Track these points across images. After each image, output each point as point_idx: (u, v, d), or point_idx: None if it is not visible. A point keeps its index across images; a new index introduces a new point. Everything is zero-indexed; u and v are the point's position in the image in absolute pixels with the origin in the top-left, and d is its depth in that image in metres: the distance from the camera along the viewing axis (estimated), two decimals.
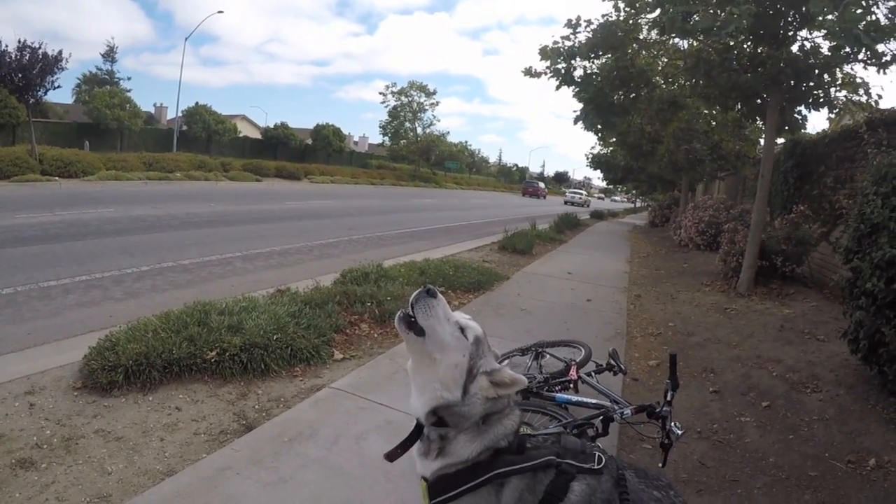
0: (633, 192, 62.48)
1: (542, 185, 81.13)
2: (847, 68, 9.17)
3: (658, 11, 9.43)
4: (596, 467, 1.99)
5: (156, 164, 29.02)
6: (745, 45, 9.47)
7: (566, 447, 2.07)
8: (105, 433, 3.88)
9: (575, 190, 77.29)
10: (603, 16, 10.52)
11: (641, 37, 11.27)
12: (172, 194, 20.61)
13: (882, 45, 7.74)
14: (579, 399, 4.14)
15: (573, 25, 10.68)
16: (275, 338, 5.38)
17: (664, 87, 12.74)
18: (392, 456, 2.10)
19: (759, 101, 10.22)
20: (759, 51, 9.32)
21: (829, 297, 9.30)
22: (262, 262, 10.56)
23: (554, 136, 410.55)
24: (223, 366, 4.97)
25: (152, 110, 59.64)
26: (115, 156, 28.66)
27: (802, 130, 11.16)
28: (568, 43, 10.75)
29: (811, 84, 9.32)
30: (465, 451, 1.98)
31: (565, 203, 56.56)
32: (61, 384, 4.50)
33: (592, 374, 4.50)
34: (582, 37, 10.61)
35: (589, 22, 10.58)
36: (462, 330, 2.02)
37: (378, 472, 3.64)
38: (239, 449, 3.83)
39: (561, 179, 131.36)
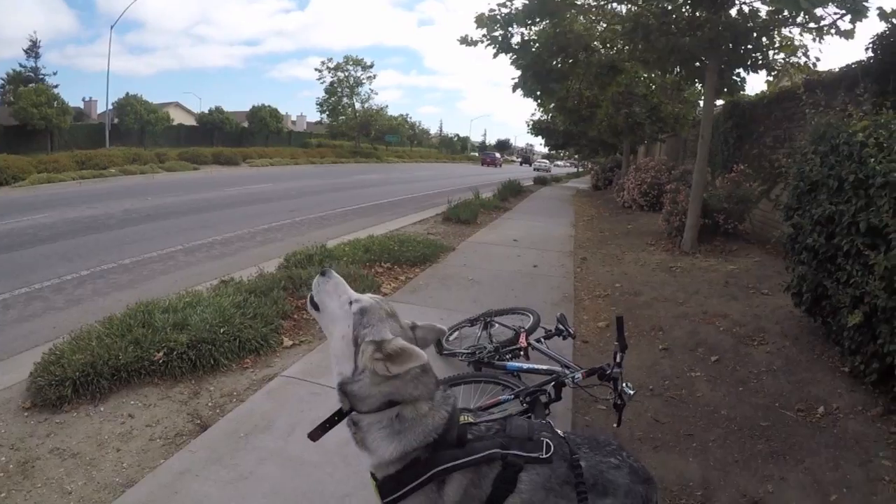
0: (575, 156, 63.21)
1: (498, 155, 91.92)
2: (785, 31, 9.36)
3: None
4: (544, 456, 1.98)
5: (89, 161, 27.77)
6: (683, 9, 9.56)
7: (512, 435, 2.05)
8: (60, 451, 3.78)
9: (541, 161, 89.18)
10: None
11: (579, 2, 11.30)
12: (108, 192, 19.95)
13: (820, 9, 7.91)
14: (530, 366, 4.23)
15: None
16: (221, 331, 5.27)
17: (602, 52, 12.79)
18: (314, 436, 2.15)
19: (697, 64, 10.39)
20: (697, 14, 9.41)
21: (771, 252, 9.58)
22: (204, 253, 10.40)
23: (493, 105, 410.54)
24: (172, 366, 4.84)
25: (81, 105, 56.61)
26: (45, 157, 27.30)
27: (741, 92, 11.35)
28: (504, 10, 10.68)
29: (749, 47, 9.51)
30: (385, 449, 1.97)
31: (535, 170, 60.30)
32: (10, 406, 4.34)
33: (542, 339, 4.60)
34: (519, 3, 10.55)
35: None
36: (350, 303, 2.04)
37: (337, 458, 3.60)
38: (196, 450, 3.79)
39: (503, 147, 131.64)
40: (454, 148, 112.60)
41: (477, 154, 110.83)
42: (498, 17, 10.69)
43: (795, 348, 5.50)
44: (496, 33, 10.91)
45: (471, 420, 2.10)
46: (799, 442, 4.03)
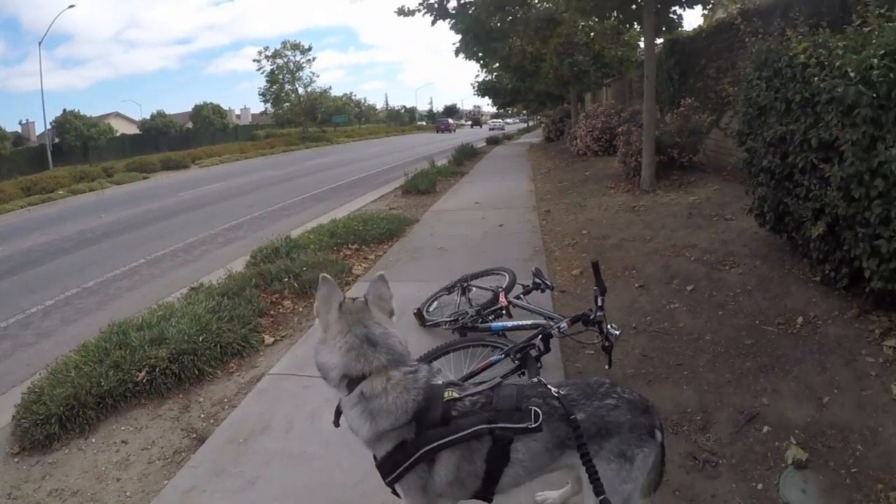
0: (524, 112, 63.35)
1: (451, 121, 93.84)
2: None
3: None
4: (533, 425, 2.04)
5: (35, 186, 26.94)
6: None
7: (498, 408, 2.10)
8: (60, 492, 3.71)
9: (495, 121, 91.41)
10: None
11: None
12: (60, 215, 19.43)
13: None
14: (515, 323, 4.32)
15: None
16: (200, 339, 5.19)
17: (539, 5, 12.84)
18: (336, 420, 2.26)
19: (634, 6, 10.48)
20: None
21: (728, 179, 9.80)
22: (168, 262, 10.28)
23: (435, 73, 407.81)
24: (156, 383, 4.76)
25: (19, 129, 55.27)
26: None
27: (680, 29, 11.48)
28: None
29: None
30: (362, 429, 2.10)
31: (490, 130, 62.70)
32: None
33: (521, 296, 4.70)
34: None
35: None
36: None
37: (341, 448, 3.62)
38: (198, 465, 3.75)
39: (451, 112, 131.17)
40: (402, 120, 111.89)
41: (425, 123, 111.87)
42: None
43: (766, 266, 5.70)
44: (432, 0, 10.88)
45: (455, 395, 2.15)
46: (784, 354, 4.23)
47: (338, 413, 2.22)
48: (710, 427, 3.62)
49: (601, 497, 1.90)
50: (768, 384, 3.93)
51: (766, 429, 3.50)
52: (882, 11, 4.36)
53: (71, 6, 43.35)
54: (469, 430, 2.04)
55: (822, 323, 4.48)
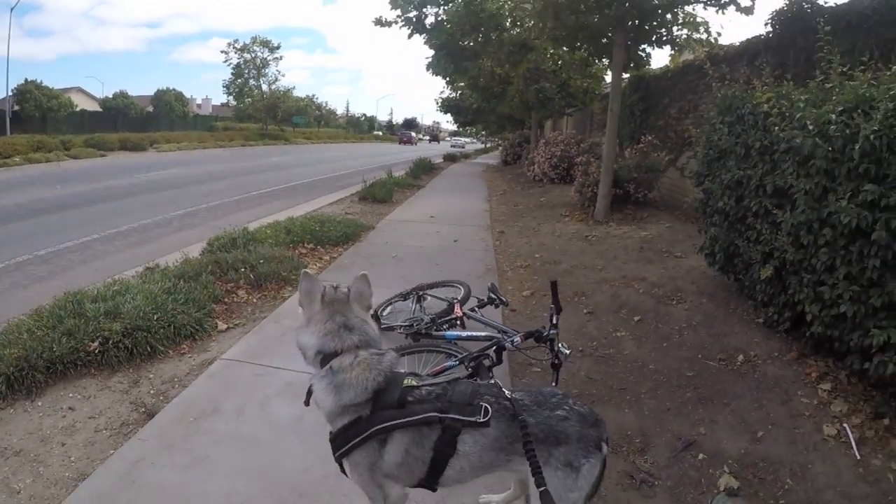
0: (483, 132, 63.89)
1: (413, 134, 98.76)
2: (689, 9, 9.79)
3: None
4: (481, 420, 2.14)
5: None
6: None
7: (452, 400, 2.21)
8: (2, 450, 3.66)
9: (457, 139, 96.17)
10: None
11: None
12: (14, 181, 18.91)
13: None
14: (469, 334, 4.42)
15: None
16: (155, 317, 5.17)
17: (513, 31, 13.04)
18: (307, 400, 2.36)
19: (604, 40, 10.72)
20: None
21: (680, 218, 10.08)
22: (122, 241, 10.12)
23: (396, 84, 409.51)
24: (108, 355, 4.73)
25: None
26: None
27: (647, 66, 11.77)
28: None
29: (655, 23, 9.89)
30: (325, 401, 2.22)
31: (451, 147, 64.98)
32: None
33: (476, 309, 4.82)
34: None
35: None
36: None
37: (290, 434, 3.73)
38: (146, 438, 3.74)
39: (410, 126, 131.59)
40: (361, 128, 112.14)
41: (381, 133, 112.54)
42: None
43: (712, 304, 5.90)
44: (411, 14, 11.00)
45: (413, 384, 2.27)
46: (724, 388, 4.40)
47: (309, 393, 2.31)
48: (649, 450, 3.74)
49: (542, 489, 1.93)
50: (706, 415, 4.08)
51: (701, 456, 3.64)
52: (844, 70, 4.58)
53: None
54: (420, 416, 2.14)
55: (762, 362, 4.67)
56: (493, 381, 2.42)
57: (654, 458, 3.66)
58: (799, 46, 7.32)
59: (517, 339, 3.81)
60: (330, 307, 2.30)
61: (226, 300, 6.31)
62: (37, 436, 3.82)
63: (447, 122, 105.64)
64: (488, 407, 2.16)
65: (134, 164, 27.42)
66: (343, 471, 2.31)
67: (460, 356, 3.90)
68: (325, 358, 2.23)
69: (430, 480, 2.25)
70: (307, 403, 2.34)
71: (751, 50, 8.78)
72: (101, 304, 5.23)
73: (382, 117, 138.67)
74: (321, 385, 2.22)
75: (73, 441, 3.77)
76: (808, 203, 4.19)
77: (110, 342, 4.78)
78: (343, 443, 2.18)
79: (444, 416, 2.14)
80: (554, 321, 3.60)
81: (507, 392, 2.25)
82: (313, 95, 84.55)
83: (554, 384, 3.69)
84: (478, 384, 2.36)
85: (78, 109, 50.36)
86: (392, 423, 2.14)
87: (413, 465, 2.20)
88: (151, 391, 4.45)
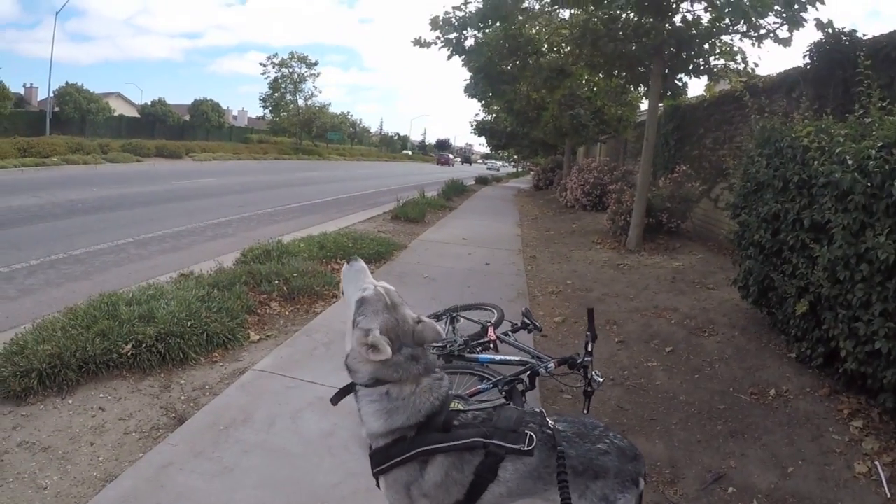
0: (515, 156, 63.96)
1: (451, 156, 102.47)
2: (726, 38, 9.80)
3: None
4: (525, 448, 2.10)
5: (31, 149, 26.53)
6: (630, 16, 9.91)
7: (497, 426, 2.17)
8: (30, 445, 3.64)
9: (492, 162, 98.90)
10: None
11: (526, 5, 11.58)
12: (52, 180, 19.19)
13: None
14: (503, 357, 4.37)
15: None
16: (189, 324, 5.17)
17: (551, 56, 13.10)
18: (334, 400, 2.34)
19: (641, 69, 10.75)
20: (643, 21, 9.77)
21: (712, 249, 10.02)
22: (156, 246, 10.18)
23: (431, 104, 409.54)
24: (141, 358, 4.73)
25: (22, 91, 55.12)
26: None
27: (683, 96, 11.77)
28: (459, 13, 10.90)
29: (692, 53, 9.92)
30: (374, 423, 2.16)
31: (488, 169, 68.03)
32: None
33: (509, 333, 4.77)
34: (473, 7, 10.79)
35: None
36: (362, 291, 2.24)
37: (321, 449, 3.71)
38: (176, 443, 3.72)
39: (443, 147, 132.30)
40: (394, 147, 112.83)
41: (411, 153, 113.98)
42: (453, 19, 10.88)
43: (744, 338, 5.87)
44: (451, 36, 11.08)
45: (460, 407, 2.25)
46: (755, 422, 4.36)
47: (342, 393, 2.31)
48: (678, 482, 3.71)
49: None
50: (737, 448, 4.04)
51: (731, 489, 3.60)
52: (884, 104, 4.57)
53: None
54: (465, 441, 2.11)
55: (794, 398, 4.63)
56: (538, 410, 2.42)
57: (684, 490, 3.63)
58: (838, 79, 7.29)
59: (551, 365, 3.79)
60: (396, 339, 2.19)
61: (258, 311, 6.32)
62: (66, 433, 3.82)
63: (480, 145, 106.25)
64: (533, 435, 2.13)
65: (169, 171, 27.79)
66: (378, 484, 2.28)
67: (494, 380, 3.89)
68: (378, 381, 2.17)
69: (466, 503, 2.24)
70: (335, 402, 2.34)
71: (788, 81, 8.75)
72: (135, 308, 5.25)
73: (416, 137, 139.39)
74: (372, 408, 2.16)
75: (102, 441, 3.77)
76: (845, 238, 4.17)
77: (143, 346, 4.79)
78: (383, 460, 2.15)
79: (488, 441, 2.12)
80: (589, 349, 3.59)
81: (550, 421, 2.22)
82: (348, 112, 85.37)
83: (585, 412, 3.68)
84: (523, 411, 2.32)
85: (116, 114, 51.35)
86: (436, 446, 2.11)
87: (451, 487, 2.17)
88: (182, 397, 4.46)
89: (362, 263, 2.36)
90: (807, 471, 3.75)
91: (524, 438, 2.12)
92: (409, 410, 2.13)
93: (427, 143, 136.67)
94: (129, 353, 4.71)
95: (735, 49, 9.99)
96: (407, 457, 2.11)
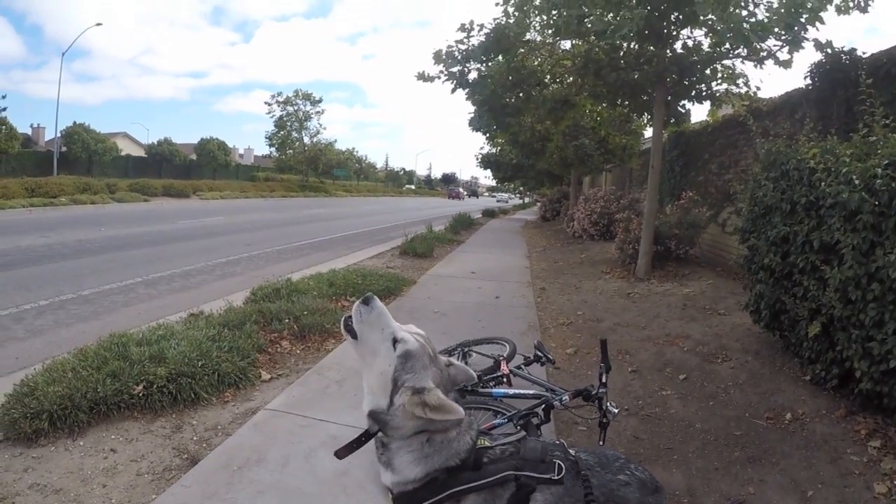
0: (521, 188, 64.13)
1: (462, 190, 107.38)
2: (727, 62, 9.87)
3: (554, 14, 9.84)
4: (556, 477, 2.07)
5: (39, 189, 26.90)
6: (631, 45, 10.00)
7: (525, 458, 2.14)
8: (41, 487, 3.63)
9: (501, 195, 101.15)
10: (494, 20, 10.81)
11: (528, 38, 11.69)
12: (60, 221, 19.48)
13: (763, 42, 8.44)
14: (517, 392, 4.32)
15: (466, 30, 10.93)
16: (200, 364, 5.17)
17: (554, 87, 13.18)
18: (340, 454, 2.19)
19: (645, 97, 10.82)
20: (644, 49, 9.87)
21: (722, 274, 9.99)
22: (165, 286, 10.19)
23: (436, 138, 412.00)
24: (152, 399, 4.71)
25: (29, 132, 56.12)
26: None
27: (687, 122, 11.82)
28: (462, 46, 11.02)
29: (694, 79, 9.99)
30: (410, 471, 2.06)
31: (497, 202, 71.66)
32: None
33: (522, 366, 4.71)
34: (475, 40, 10.90)
35: (482, 26, 10.86)
36: (395, 342, 2.08)
37: (336, 488, 3.67)
38: (189, 485, 3.70)
39: (449, 181, 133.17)
40: (400, 182, 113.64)
41: (413, 187, 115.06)
42: (456, 53, 10.99)
43: (757, 362, 5.82)
44: (454, 69, 11.19)
45: (487, 444, 2.18)
46: (772, 447, 4.31)
47: (353, 447, 2.19)
48: None
49: None
50: (755, 474, 3.99)
51: None
52: (887, 122, 4.58)
53: (98, 24, 44.48)
54: (498, 476, 2.07)
55: (810, 420, 4.57)
56: (558, 441, 2.40)
57: None
58: (840, 98, 7.31)
59: (566, 397, 3.75)
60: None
61: (269, 350, 6.30)
62: (77, 475, 3.79)
63: (485, 178, 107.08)
64: (561, 464, 2.10)
65: (176, 210, 28.05)
66: None
67: (509, 414, 3.85)
68: (423, 431, 2.08)
69: None
70: (341, 456, 2.19)
71: (791, 103, 8.78)
72: (145, 348, 5.24)
73: (421, 171, 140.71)
74: (410, 457, 2.06)
75: (115, 483, 3.73)
76: (855, 258, 4.16)
77: (154, 386, 4.77)
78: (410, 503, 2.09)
79: (520, 474, 2.08)
80: (603, 380, 3.56)
81: (571, 451, 2.20)
82: (353, 148, 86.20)
83: (601, 443, 3.65)
84: (546, 442, 2.28)
85: (123, 154, 52.13)
86: (471, 485, 2.05)
87: None
88: (194, 437, 4.43)
89: (381, 304, 2.17)
90: (826, 494, 3.69)
91: (553, 468, 2.10)
92: (449, 453, 2.07)
93: (433, 178, 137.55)
94: (140, 394, 4.69)
95: (737, 73, 10.07)
96: (440, 498, 2.05)
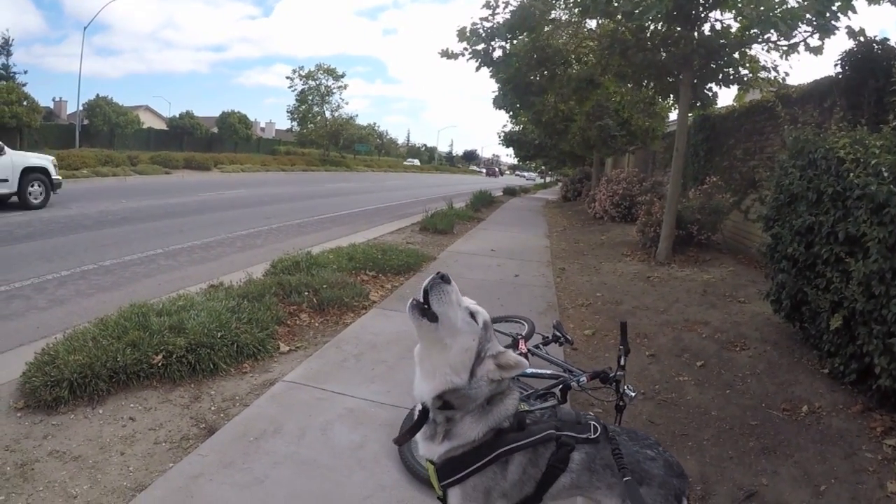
0: (543, 167, 63.83)
1: (496, 168, 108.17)
2: (756, 47, 9.71)
3: None
4: (593, 436, 2.17)
5: (60, 161, 25.83)
6: (659, 26, 9.86)
7: (563, 419, 2.23)
8: (60, 454, 3.67)
9: (529, 173, 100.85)
10: None
11: (553, 16, 11.56)
12: (81, 192, 19.50)
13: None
14: (535, 371, 4.30)
15: (491, 7, 10.82)
16: (219, 335, 5.21)
17: (579, 67, 13.05)
18: (401, 440, 2.27)
19: (671, 78, 10.68)
20: (671, 30, 9.71)
21: (743, 262, 9.92)
22: (186, 257, 10.24)
23: (457, 115, 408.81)
24: (171, 369, 4.77)
25: (51, 105, 56.47)
26: None
27: (713, 106, 11.67)
28: (487, 24, 10.91)
29: (722, 62, 9.83)
30: (471, 432, 2.10)
31: (527, 180, 73.88)
32: (0, 406, 4.20)
33: (540, 346, 4.68)
34: (500, 18, 10.79)
35: (507, 3, 10.75)
36: (472, 315, 2.12)
37: (352, 461, 3.71)
38: (206, 454, 3.73)
39: (470, 158, 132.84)
40: (422, 158, 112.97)
41: (418, 163, 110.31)
42: (480, 31, 10.88)
43: (776, 352, 5.78)
44: (478, 47, 11.08)
45: (526, 408, 2.27)
46: (787, 438, 4.29)
47: (412, 433, 2.20)
48: (710, 498, 3.65)
49: (626, 479, 2.03)
50: (769, 465, 3.98)
51: None
52: None
53: None
54: (542, 434, 2.15)
55: (827, 414, 4.54)
56: (590, 413, 2.45)
57: None
58: (871, 88, 7.17)
59: (583, 378, 3.73)
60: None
61: (288, 322, 6.34)
62: (96, 443, 3.85)
63: (507, 156, 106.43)
64: (597, 425, 2.20)
65: (198, 182, 28.14)
66: (443, 501, 2.21)
67: (526, 393, 3.86)
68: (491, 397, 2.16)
69: (535, 498, 2.22)
70: (401, 443, 2.30)
71: (820, 91, 8.62)
72: (165, 318, 5.29)
73: (443, 148, 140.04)
74: (472, 420, 2.11)
75: (133, 451, 3.79)
76: (881, 252, 4.09)
77: (174, 356, 4.82)
78: (459, 468, 2.10)
79: (560, 433, 2.17)
80: (622, 362, 3.54)
81: (600, 422, 2.26)
82: (375, 124, 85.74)
83: (617, 426, 3.64)
84: (578, 412, 2.36)
85: (145, 127, 52.38)
86: (518, 444, 2.12)
87: (526, 483, 2.17)
88: (212, 408, 4.47)
89: (455, 284, 2.15)
90: (839, 490, 3.67)
91: (589, 428, 2.19)
92: (502, 413, 2.14)
93: (454, 154, 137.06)
94: (159, 364, 4.75)
95: (765, 59, 9.92)
96: (488, 460, 2.09)
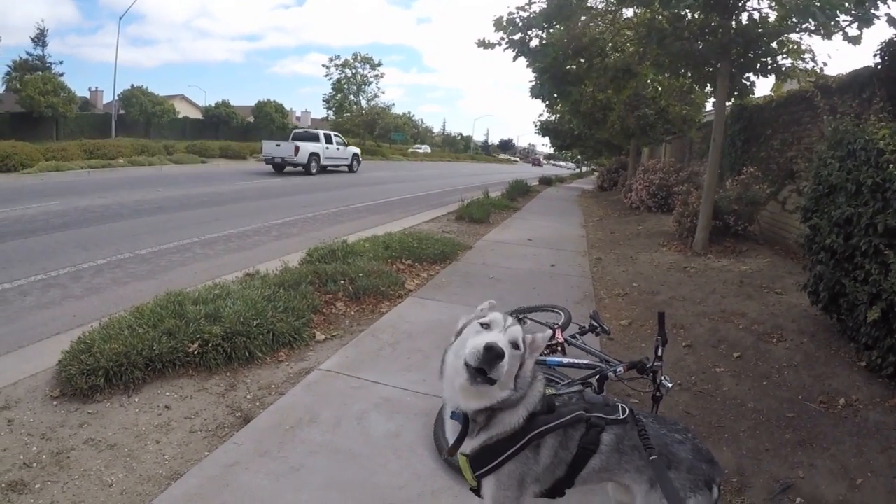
0: (579, 157, 63.35)
1: (541, 157, 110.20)
2: (794, 37, 9.57)
3: None
4: (621, 417, 2.23)
5: (97, 151, 27.21)
6: (696, 15, 9.75)
7: (591, 402, 2.30)
8: (96, 442, 3.73)
9: (568, 163, 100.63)
10: None
11: (590, 4, 11.49)
12: (118, 182, 19.83)
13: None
14: (571, 361, 4.30)
15: None
16: (255, 324, 5.27)
17: (616, 56, 12.95)
18: (452, 451, 2.25)
19: (708, 68, 10.57)
20: (709, 19, 9.62)
21: (780, 253, 9.81)
22: (222, 245, 10.36)
23: (493, 104, 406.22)
24: (207, 357, 4.84)
25: (87, 95, 57.56)
26: (53, 145, 27.04)
27: (750, 96, 11.53)
28: (524, 14, 10.86)
29: (760, 51, 9.71)
30: (512, 420, 2.16)
31: (567, 170, 76.01)
32: (37, 394, 4.25)
33: (577, 336, 4.68)
34: (537, 7, 10.73)
35: None
36: (515, 345, 2.13)
37: (387, 450, 3.74)
38: (241, 442, 3.78)
39: (506, 147, 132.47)
40: (457, 147, 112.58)
41: (429, 149, 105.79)
42: (517, 20, 10.83)
43: (813, 345, 5.73)
44: (515, 36, 11.04)
45: (553, 392, 2.34)
46: (823, 431, 4.27)
47: (461, 441, 2.23)
48: (746, 491, 3.67)
49: (652, 458, 2.08)
50: (805, 458, 3.98)
51: (799, 500, 3.56)
52: None
53: None
54: (572, 415, 2.21)
55: (864, 407, 4.52)
56: (615, 399, 2.49)
57: (752, 500, 3.60)
58: None
59: (620, 369, 3.74)
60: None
61: (324, 311, 6.40)
62: (132, 431, 3.92)
63: (543, 145, 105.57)
64: (625, 406, 2.26)
65: (234, 171, 28.35)
66: (476, 492, 2.27)
67: (562, 383, 3.89)
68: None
69: (567, 481, 2.28)
70: (452, 454, 2.26)
71: (859, 81, 8.48)
72: (201, 307, 5.36)
73: (479, 137, 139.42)
74: (514, 407, 2.18)
75: (168, 439, 3.86)
76: None
77: (210, 345, 4.89)
78: (494, 456, 2.15)
79: (590, 415, 2.23)
80: (659, 353, 3.55)
81: (627, 406, 2.31)
82: (410, 112, 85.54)
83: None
84: (604, 395, 2.44)
85: (181, 116, 53.04)
86: (550, 425, 2.17)
87: (557, 467, 2.23)
88: (248, 396, 4.53)
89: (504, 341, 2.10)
90: (875, 483, 3.67)
91: (617, 410, 2.26)
92: (534, 397, 2.21)
93: (490, 144, 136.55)
94: (195, 352, 4.83)
95: (803, 47, 9.76)
96: (523, 443, 2.15)
